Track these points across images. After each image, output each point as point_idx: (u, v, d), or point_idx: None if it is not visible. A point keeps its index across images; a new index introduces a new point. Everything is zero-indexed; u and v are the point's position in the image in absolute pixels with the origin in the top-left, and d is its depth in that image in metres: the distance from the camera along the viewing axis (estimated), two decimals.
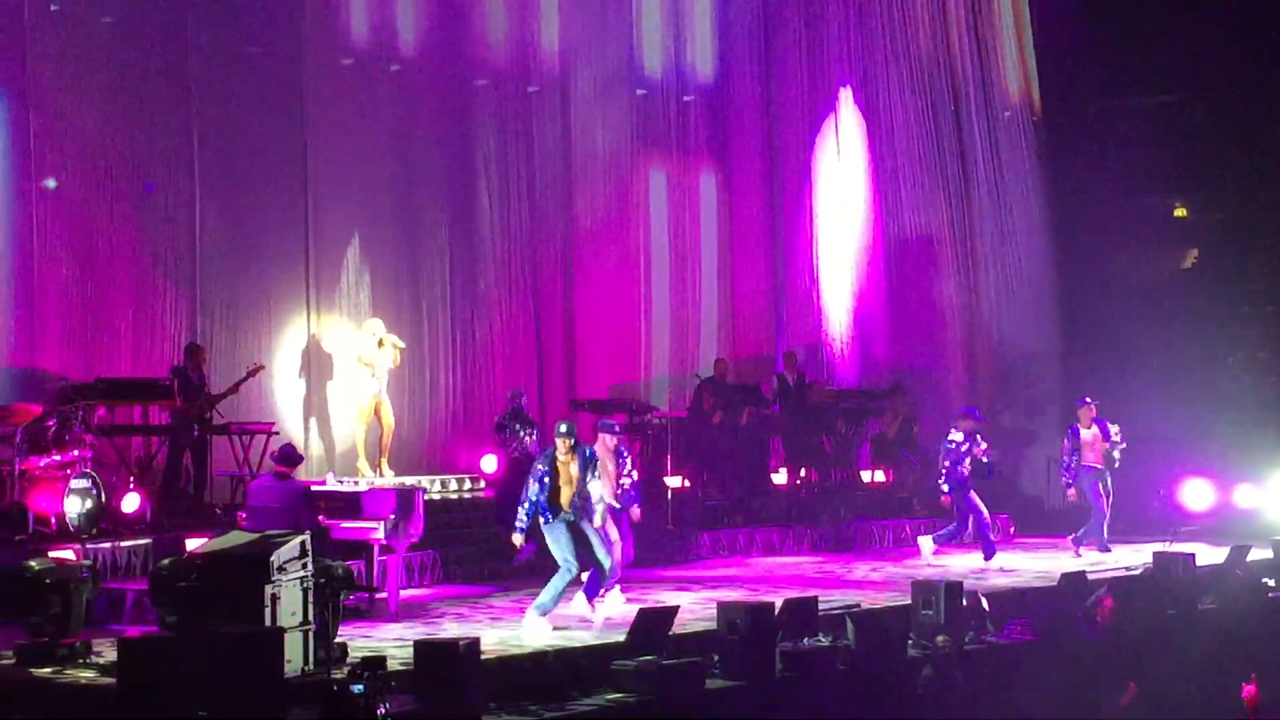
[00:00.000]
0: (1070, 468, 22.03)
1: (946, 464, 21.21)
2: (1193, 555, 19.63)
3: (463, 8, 23.96)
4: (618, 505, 16.90)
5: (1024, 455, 28.20)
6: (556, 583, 15.66)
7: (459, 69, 23.91)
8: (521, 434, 20.46)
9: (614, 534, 16.54)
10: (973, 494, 21.25)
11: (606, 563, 15.99)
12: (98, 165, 20.31)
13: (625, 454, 17.59)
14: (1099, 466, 21.95)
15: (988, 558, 21.08)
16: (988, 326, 28.45)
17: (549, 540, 15.85)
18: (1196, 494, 24.38)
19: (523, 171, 24.58)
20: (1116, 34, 28.35)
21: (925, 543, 21.70)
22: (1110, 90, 29.03)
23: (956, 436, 21.25)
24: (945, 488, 21.23)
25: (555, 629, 15.30)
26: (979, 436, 21.38)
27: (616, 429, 17.57)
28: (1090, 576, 18.77)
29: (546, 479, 15.70)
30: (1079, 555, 21.85)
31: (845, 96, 27.88)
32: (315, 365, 22.04)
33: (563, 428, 15.96)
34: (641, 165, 26.13)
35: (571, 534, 15.77)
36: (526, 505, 15.75)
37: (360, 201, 22.77)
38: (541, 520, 15.77)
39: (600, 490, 15.92)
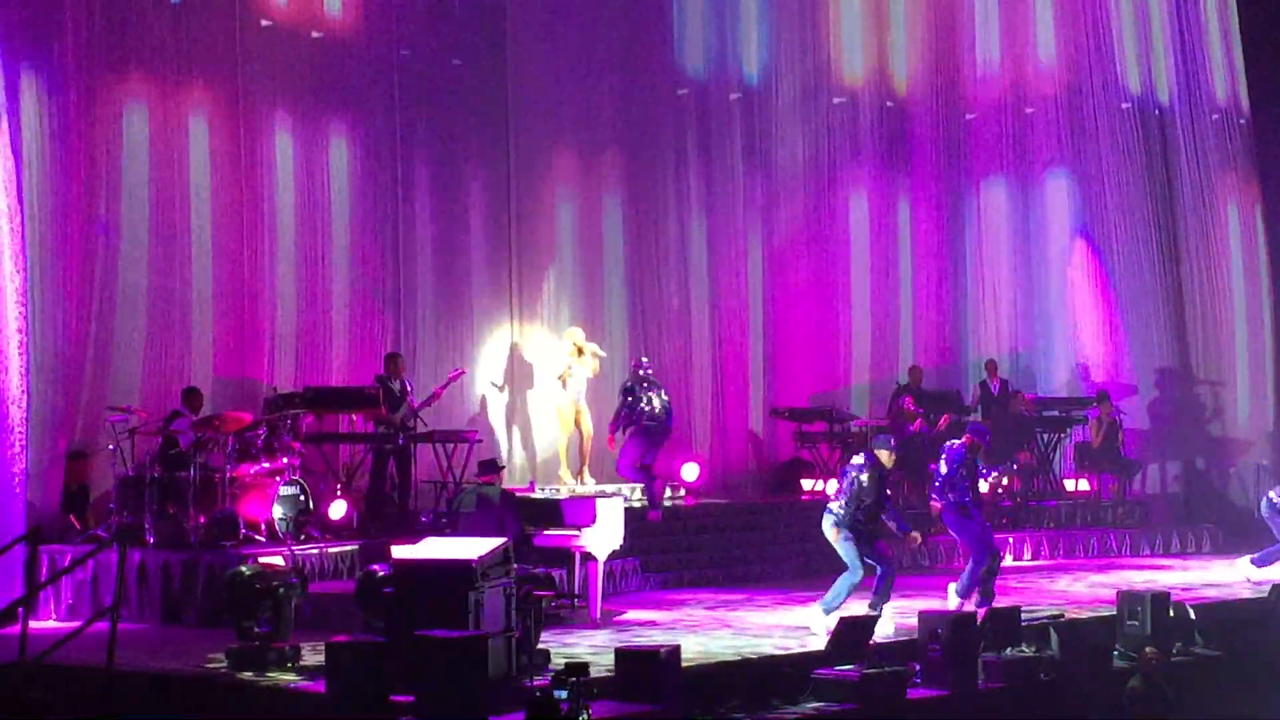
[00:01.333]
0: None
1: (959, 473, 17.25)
2: None
3: (664, 14, 24.04)
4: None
5: (1234, 465, 27.66)
6: (843, 583, 15.98)
7: (660, 78, 23.99)
8: (646, 397, 20.33)
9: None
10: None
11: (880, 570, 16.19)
12: (305, 177, 20.70)
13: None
14: None
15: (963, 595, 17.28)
16: (1193, 331, 27.89)
17: (848, 542, 16.07)
18: None
19: (723, 180, 24.61)
20: None
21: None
22: None
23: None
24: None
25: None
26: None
27: (893, 443, 16.76)
28: None
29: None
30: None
31: (1041, 98, 27.51)
32: (517, 374, 22.25)
33: (893, 441, 16.54)
34: (840, 173, 26.02)
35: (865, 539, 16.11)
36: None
37: (563, 212, 22.98)
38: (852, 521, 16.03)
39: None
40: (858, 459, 16.35)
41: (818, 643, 14.97)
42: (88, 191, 18.79)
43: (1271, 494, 20.67)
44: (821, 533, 16.39)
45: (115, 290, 19.00)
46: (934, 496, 17.41)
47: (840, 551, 16.08)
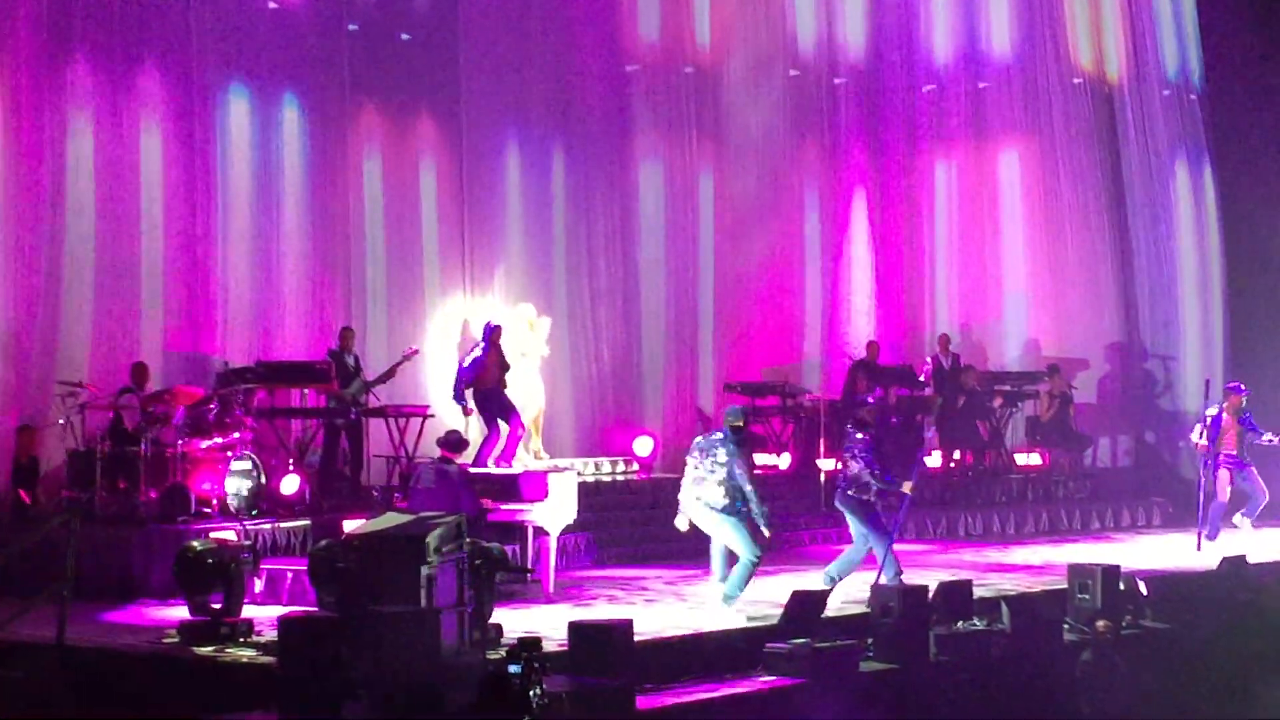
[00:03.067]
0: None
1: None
2: None
3: None
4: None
5: (1184, 439, 27.80)
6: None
7: (613, 52, 23.95)
8: None
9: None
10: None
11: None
12: (257, 151, 20.61)
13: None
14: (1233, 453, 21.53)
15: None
16: (1143, 306, 28.02)
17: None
18: None
19: (676, 154, 24.61)
20: None
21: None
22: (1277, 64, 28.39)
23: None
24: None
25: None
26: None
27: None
28: (1253, 560, 18.47)
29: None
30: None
31: (997, 72, 27.55)
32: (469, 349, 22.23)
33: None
34: (794, 146, 26.04)
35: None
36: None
37: (514, 186, 22.96)
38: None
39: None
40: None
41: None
42: (33, 166, 18.67)
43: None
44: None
45: (62, 265, 18.91)
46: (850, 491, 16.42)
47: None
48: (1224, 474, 21.42)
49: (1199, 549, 20.50)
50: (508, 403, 19.66)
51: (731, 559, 15.44)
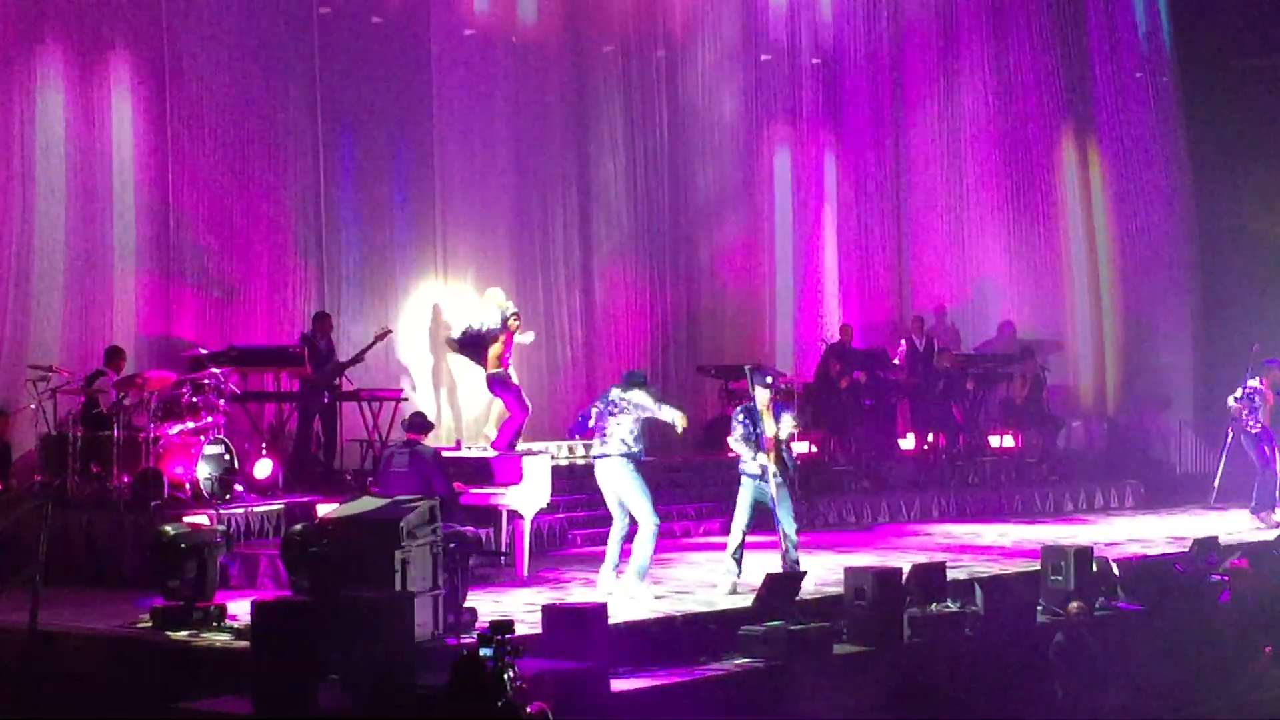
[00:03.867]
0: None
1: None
2: None
3: None
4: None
5: (1155, 420, 27.92)
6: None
7: (581, 38, 23.93)
8: None
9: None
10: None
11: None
12: (230, 136, 20.53)
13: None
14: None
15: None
16: (1116, 289, 28.08)
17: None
18: None
19: (647, 139, 24.59)
20: None
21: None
22: (1251, 46, 28.42)
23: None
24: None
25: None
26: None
27: (770, 380, 16.24)
28: (1224, 542, 18.53)
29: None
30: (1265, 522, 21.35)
31: (970, 56, 27.54)
32: (442, 333, 22.18)
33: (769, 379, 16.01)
34: (765, 131, 26.04)
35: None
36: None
37: (485, 172, 22.92)
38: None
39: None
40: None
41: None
42: (3, 147, 18.59)
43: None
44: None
45: (33, 248, 18.84)
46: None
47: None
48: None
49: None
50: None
51: (625, 547, 15.48)
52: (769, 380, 16.11)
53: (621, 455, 15.43)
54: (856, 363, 24.48)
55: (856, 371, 24.14)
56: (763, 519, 16.06)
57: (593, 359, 23.87)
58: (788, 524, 15.70)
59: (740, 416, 15.87)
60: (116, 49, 19.66)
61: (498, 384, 19.77)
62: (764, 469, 15.65)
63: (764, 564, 15.71)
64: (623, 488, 15.50)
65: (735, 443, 15.84)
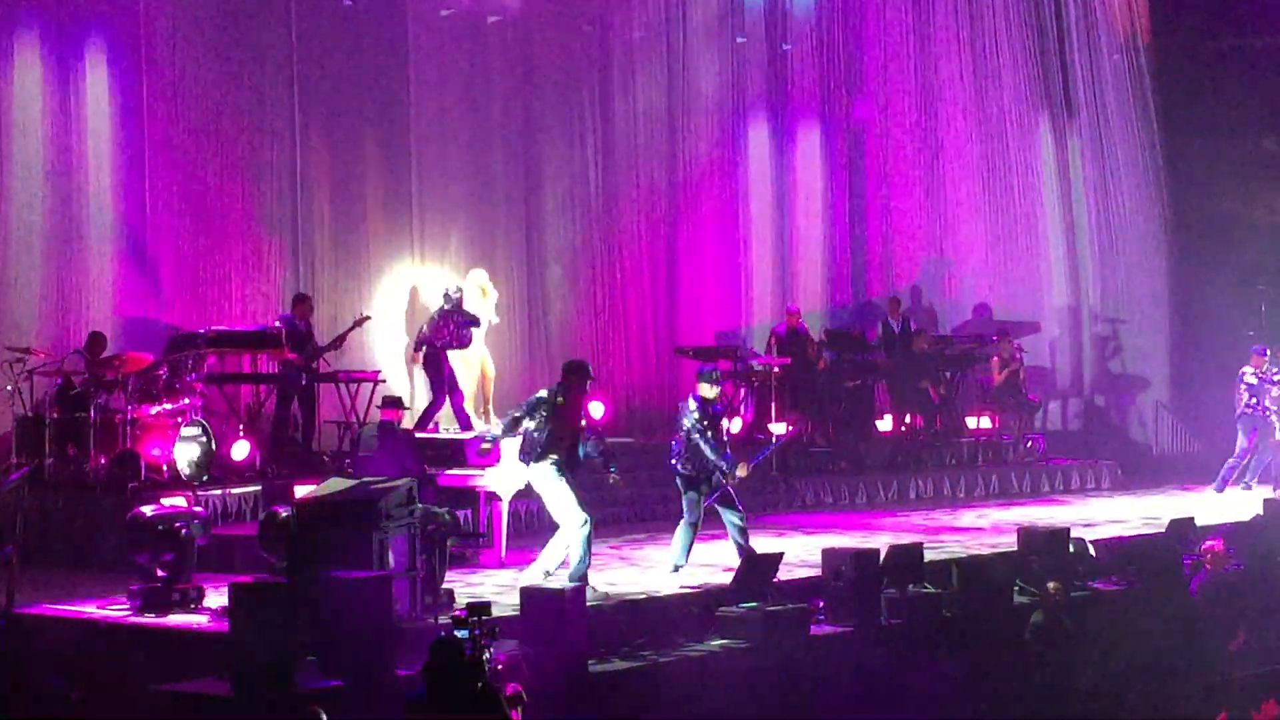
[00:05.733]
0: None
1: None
2: None
3: None
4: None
5: (1132, 402, 28.00)
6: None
7: (560, 18, 23.88)
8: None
9: None
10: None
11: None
12: (207, 118, 20.46)
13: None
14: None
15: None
16: (1093, 271, 28.13)
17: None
18: None
19: (625, 119, 24.56)
20: None
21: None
22: (1227, 29, 28.44)
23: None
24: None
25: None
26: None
27: (718, 376, 16.09)
28: (1200, 523, 18.59)
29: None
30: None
31: (946, 39, 27.52)
32: (419, 314, 22.14)
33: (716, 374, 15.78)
34: (743, 112, 26.01)
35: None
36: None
37: (463, 152, 22.86)
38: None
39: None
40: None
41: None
42: None
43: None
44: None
45: (9, 230, 18.78)
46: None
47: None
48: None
49: None
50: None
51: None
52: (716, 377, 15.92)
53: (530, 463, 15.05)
54: (833, 344, 24.53)
55: (830, 352, 24.19)
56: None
57: (570, 340, 23.83)
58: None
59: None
60: (93, 31, 19.55)
61: (430, 363, 19.87)
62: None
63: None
64: (543, 498, 15.19)
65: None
